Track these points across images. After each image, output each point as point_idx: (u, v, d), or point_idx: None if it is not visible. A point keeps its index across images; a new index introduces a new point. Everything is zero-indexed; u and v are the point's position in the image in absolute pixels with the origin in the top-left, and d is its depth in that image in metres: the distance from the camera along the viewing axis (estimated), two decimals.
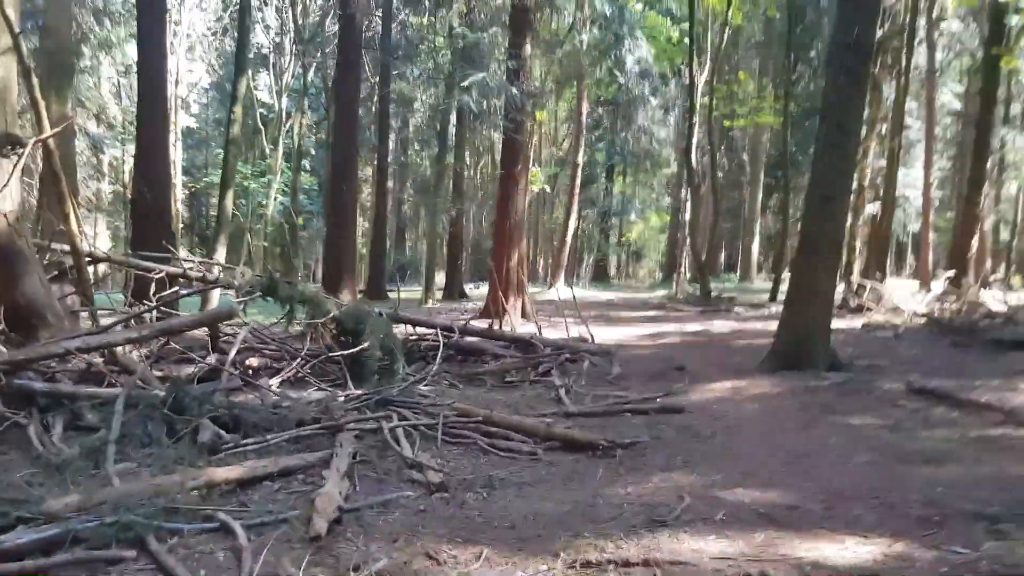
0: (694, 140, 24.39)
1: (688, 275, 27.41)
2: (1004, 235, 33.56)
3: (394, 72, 19.79)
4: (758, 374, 7.82)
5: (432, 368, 8.17)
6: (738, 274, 32.85)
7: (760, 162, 31.28)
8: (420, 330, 9.71)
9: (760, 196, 31.57)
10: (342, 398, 6.39)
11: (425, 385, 7.57)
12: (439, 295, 22.24)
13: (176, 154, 34.32)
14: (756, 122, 23.29)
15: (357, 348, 7.35)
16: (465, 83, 13.78)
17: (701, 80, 23.76)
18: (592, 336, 10.81)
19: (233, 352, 6.81)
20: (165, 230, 11.15)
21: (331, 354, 7.49)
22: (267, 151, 30.31)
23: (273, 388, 6.59)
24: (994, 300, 14.21)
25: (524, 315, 14.75)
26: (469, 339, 9.57)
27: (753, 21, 27.25)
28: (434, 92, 19.26)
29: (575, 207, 25.79)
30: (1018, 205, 31.18)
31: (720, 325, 13.94)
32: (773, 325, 14.08)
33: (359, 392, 6.63)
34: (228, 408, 5.26)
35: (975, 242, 18.83)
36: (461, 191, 20.02)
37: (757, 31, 27.87)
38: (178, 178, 33.22)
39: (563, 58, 19.79)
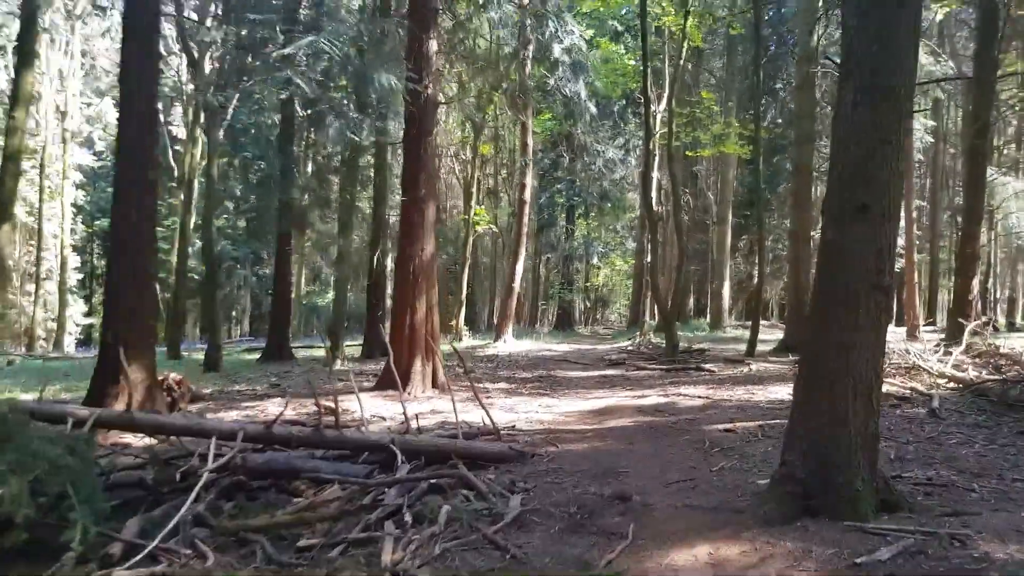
0: (653, 173, 21.34)
1: (654, 324, 24.10)
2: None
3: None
4: (758, 526, 4.26)
5: (178, 517, 4.59)
6: (708, 321, 29.60)
7: (728, 201, 28.33)
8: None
9: (729, 237, 28.54)
10: None
11: (124, 571, 3.97)
12: (356, 352, 18.57)
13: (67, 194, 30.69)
14: (722, 151, 20.31)
15: None
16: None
17: (660, 107, 20.80)
18: (495, 425, 7.27)
19: None
20: None
21: None
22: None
23: None
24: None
25: (435, 384, 11.15)
26: (282, 453, 5.98)
27: (715, 40, 24.49)
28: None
29: (523, 249, 22.42)
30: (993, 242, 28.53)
31: (689, 393, 10.46)
32: (757, 392, 10.77)
33: None
34: None
35: (975, 284, 15.76)
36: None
37: (719, 48, 25.17)
38: (66, 221, 29.50)
39: (483, 65, 16.53)
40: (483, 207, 27.25)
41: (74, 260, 33.53)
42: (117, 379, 7.80)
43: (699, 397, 9.98)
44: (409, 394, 10.60)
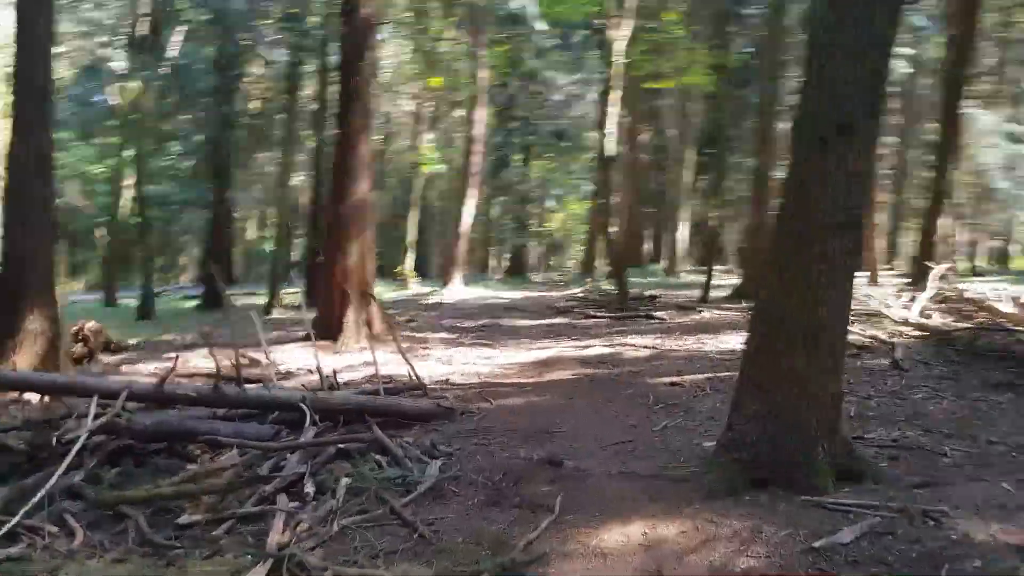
0: (609, 107, 20.54)
1: (607, 270, 23.65)
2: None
3: None
4: (701, 500, 3.73)
5: (46, 488, 3.95)
6: (663, 266, 29.23)
7: (689, 138, 27.55)
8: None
9: (689, 177, 27.87)
10: None
11: None
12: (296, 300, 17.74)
13: None
14: (684, 83, 19.51)
15: None
16: None
17: (620, 32, 19.88)
18: (421, 380, 6.67)
19: None
20: None
21: None
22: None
23: None
24: (996, 296, 10.70)
25: (372, 335, 10.47)
26: (180, 412, 5.29)
27: None
28: None
29: (472, 190, 21.56)
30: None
31: (637, 343, 9.96)
32: (708, 342, 10.30)
33: None
34: None
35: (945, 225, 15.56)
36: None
37: None
38: None
39: None
40: (432, 145, 26.19)
41: None
42: (14, 330, 6.97)
43: (646, 347, 9.49)
44: (342, 345, 9.94)
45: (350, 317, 10.09)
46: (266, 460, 4.61)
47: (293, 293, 19.06)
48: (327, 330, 10.10)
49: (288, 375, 8.35)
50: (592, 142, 35.00)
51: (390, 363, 8.89)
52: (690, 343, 9.68)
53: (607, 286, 20.25)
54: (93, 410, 4.76)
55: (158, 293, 24.15)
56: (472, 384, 7.59)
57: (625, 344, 9.86)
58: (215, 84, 15.77)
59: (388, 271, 34.19)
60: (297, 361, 9.18)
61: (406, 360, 6.48)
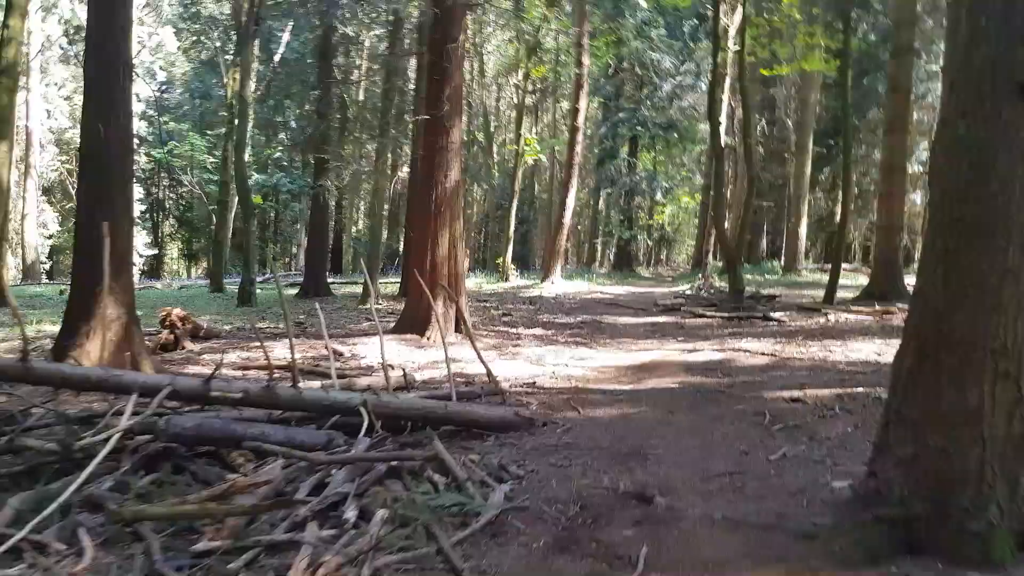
0: (723, 95, 19.27)
1: (719, 265, 22.29)
2: None
3: None
4: (832, 567, 2.85)
5: (64, 496, 3.50)
6: (782, 263, 27.45)
7: (808, 127, 25.68)
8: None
9: (809, 169, 26.00)
10: None
11: None
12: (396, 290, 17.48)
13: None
14: (803, 68, 17.95)
15: None
16: None
17: (734, 17, 18.59)
18: (498, 384, 5.98)
19: None
20: None
21: None
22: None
23: None
24: None
25: (459, 328, 9.89)
26: (229, 412, 4.78)
27: None
28: None
29: (574, 181, 20.74)
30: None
31: (752, 348, 8.91)
32: (835, 349, 9.11)
33: None
34: None
35: None
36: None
37: None
38: None
39: None
40: (534, 136, 25.50)
41: (137, 191, 33.35)
42: (89, 315, 6.74)
43: (763, 353, 8.44)
44: (428, 339, 9.39)
45: (438, 310, 9.52)
46: (312, 474, 4.02)
47: (393, 283, 18.87)
48: (415, 324, 9.59)
49: (367, 371, 7.83)
50: (703, 133, 33.44)
51: (475, 361, 8.27)
52: (814, 350, 8.56)
53: (719, 283, 19.00)
54: (130, 409, 4.31)
55: (263, 280, 24.68)
56: (561, 389, 6.83)
57: (738, 349, 8.84)
58: (316, 72, 15.63)
59: (490, 263, 33.92)
60: (376, 356, 8.68)
61: (482, 361, 5.79)
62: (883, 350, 8.30)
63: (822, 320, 11.50)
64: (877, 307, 12.24)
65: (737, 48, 16.64)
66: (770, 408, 5.77)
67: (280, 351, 8.78)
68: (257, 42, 15.76)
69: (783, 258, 28.72)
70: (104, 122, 6.75)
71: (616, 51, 24.15)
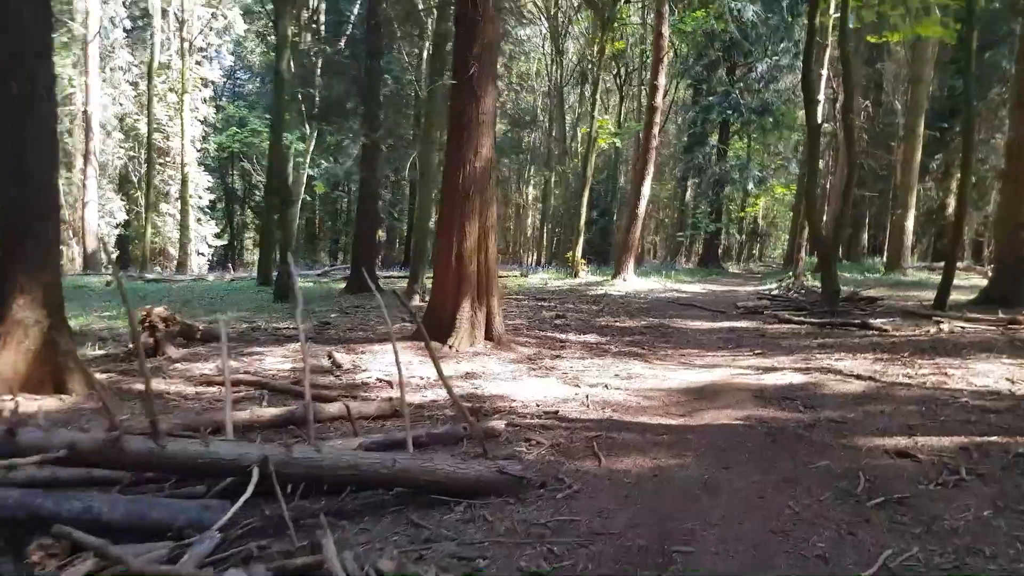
0: (822, 70, 17.07)
1: (813, 262, 20.07)
2: None
3: None
4: None
5: None
6: (884, 260, 24.80)
7: (920, 108, 22.90)
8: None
9: (919, 155, 23.23)
10: None
11: None
12: None
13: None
14: (917, 35, 15.57)
15: None
16: None
17: None
18: (474, 425, 4.50)
19: None
20: None
21: None
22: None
23: None
24: None
25: (490, 335, 8.45)
26: (25, 488, 3.42)
27: None
28: None
29: (650, 168, 18.93)
30: None
31: (845, 368, 7.12)
32: (954, 371, 7.03)
33: None
34: None
35: None
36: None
37: None
38: (186, 138, 28.91)
39: None
40: (608, 119, 23.76)
41: (204, 179, 33.35)
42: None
43: (858, 377, 6.65)
44: (451, 348, 8.00)
45: (464, 313, 8.13)
46: None
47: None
48: (438, 329, 8.21)
49: (362, 388, 6.50)
50: (802, 120, 30.83)
51: (499, 378, 6.84)
52: (926, 372, 6.71)
53: (812, 282, 16.91)
54: None
55: (321, 273, 23.89)
56: (589, 422, 5.31)
57: (828, 369, 7.06)
58: (365, 49, 14.49)
59: (557, 256, 32.37)
60: (392, 367, 7.33)
61: (446, 386, 4.25)
62: (1017, 375, 6.42)
63: (933, 330, 9.49)
64: (1001, 314, 10.13)
65: (836, 15, 14.55)
66: (866, 466, 4.10)
67: (270, 361, 7.59)
68: (305, 15, 14.72)
69: (886, 255, 26.04)
70: (15, 84, 5.45)
71: (705, 23, 22.07)
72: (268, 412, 5.05)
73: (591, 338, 9.70)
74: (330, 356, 7.53)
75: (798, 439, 4.76)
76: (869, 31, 15.79)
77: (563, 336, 9.75)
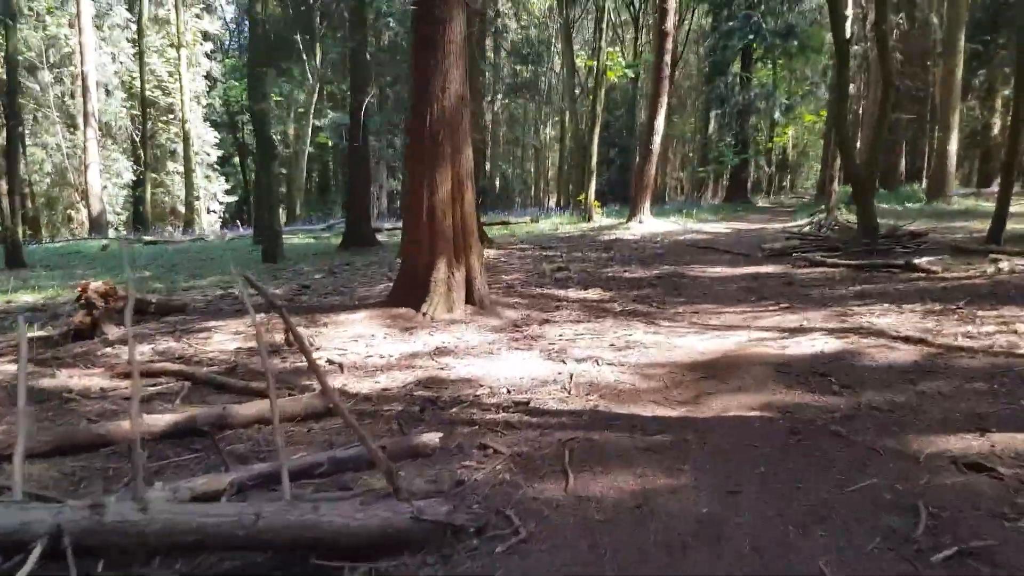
0: None
1: (847, 193, 18.57)
2: None
3: None
4: None
5: None
6: (925, 188, 23.12)
7: (960, 20, 20.91)
8: None
9: (960, 72, 21.31)
10: None
11: None
12: None
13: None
14: None
15: None
16: None
17: None
18: (376, 453, 3.45)
19: None
20: None
21: None
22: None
23: None
24: None
25: (471, 298, 7.36)
26: None
27: None
28: None
29: (663, 100, 17.43)
30: None
31: (889, 326, 5.95)
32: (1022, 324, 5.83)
33: None
34: None
35: None
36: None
37: None
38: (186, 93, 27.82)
39: None
40: (613, 49, 22.13)
41: (211, 136, 32.28)
42: None
43: (906, 340, 5.46)
44: (424, 315, 6.94)
45: (439, 275, 7.04)
46: None
47: None
48: (409, 292, 7.17)
49: (304, 375, 5.48)
50: (830, 42, 28.74)
51: (476, 352, 5.79)
52: (990, 330, 5.52)
53: (846, 217, 15.52)
54: None
55: (326, 227, 22.91)
56: (565, 417, 4.24)
57: (867, 330, 5.88)
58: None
59: (567, 199, 30.97)
60: (352, 343, 6.31)
61: (323, 383, 3.17)
62: None
63: (991, 270, 8.24)
64: None
65: None
66: (927, 489, 3.00)
67: (219, 339, 6.61)
68: None
69: (926, 182, 24.32)
70: None
71: None
72: (163, 420, 4.06)
73: (593, 294, 8.58)
74: (286, 332, 6.52)
75: (833, 438, 3.65)
76: None
77: (561, 293, 8.65)
